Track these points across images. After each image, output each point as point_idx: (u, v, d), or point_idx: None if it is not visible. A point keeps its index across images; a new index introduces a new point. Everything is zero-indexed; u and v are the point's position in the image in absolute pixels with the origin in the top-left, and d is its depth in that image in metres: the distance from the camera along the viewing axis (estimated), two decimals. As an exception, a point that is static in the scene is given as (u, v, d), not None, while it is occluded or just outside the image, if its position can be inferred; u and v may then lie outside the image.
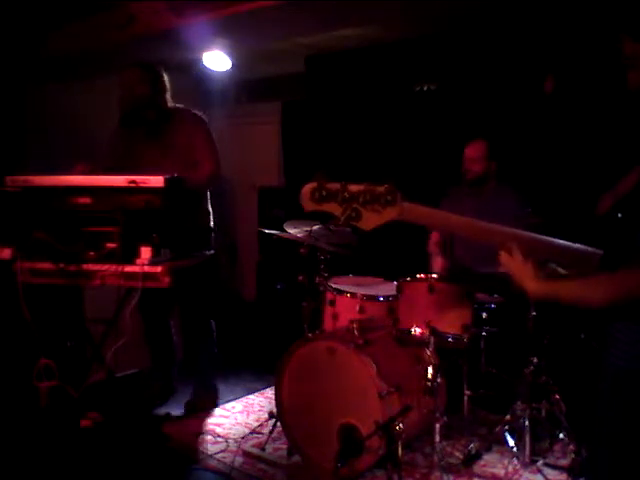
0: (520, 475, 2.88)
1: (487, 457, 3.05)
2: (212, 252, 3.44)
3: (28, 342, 2.78)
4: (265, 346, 4.56)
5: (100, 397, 3.03)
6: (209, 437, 3.32)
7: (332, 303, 3.31)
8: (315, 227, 3.30)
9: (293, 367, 2.96)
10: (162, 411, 3.62)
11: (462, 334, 2.90)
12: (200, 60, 4.68)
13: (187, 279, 3.07)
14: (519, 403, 2.97)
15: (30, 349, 2.80)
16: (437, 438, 2.86)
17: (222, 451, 3.15)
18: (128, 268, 2.68)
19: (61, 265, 2.72)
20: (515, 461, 2.95)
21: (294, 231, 3.34)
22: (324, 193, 1.46)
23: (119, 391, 3.25)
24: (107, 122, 3.50)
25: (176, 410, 3.66)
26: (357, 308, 3.19)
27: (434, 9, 3.71)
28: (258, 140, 5.98)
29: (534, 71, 3.79)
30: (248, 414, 3.68)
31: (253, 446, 3.18)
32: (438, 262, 3.59)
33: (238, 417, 3.62)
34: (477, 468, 2.95)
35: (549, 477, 2.82)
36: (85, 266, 2.74)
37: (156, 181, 2.73)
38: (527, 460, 2.93)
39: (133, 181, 2.74)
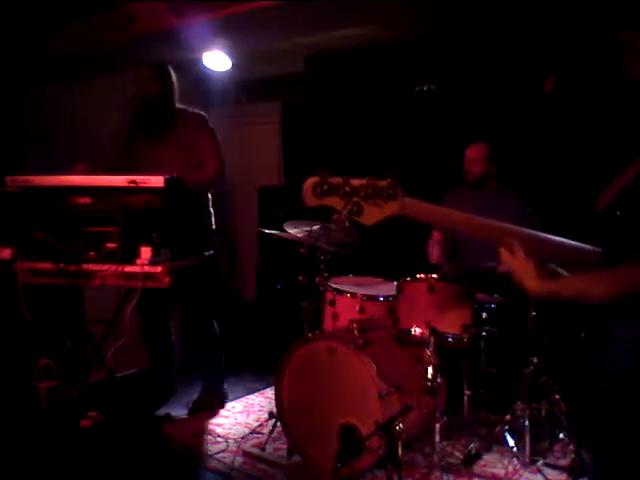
0: (520, 475, 2.88)
1: (487, 457, 3.05)
2: (212, 252, 3.44)
3: (28, 342, 2.78)
4: (265, 346, 4.56)
5: (100, 397, 3.03)
6: (209, 437, 3.32)
7: (332, 303, 3.31)
8: (315, 227, 3.30)
9: (293, 367, 2.96)
10: (162, 411, 3.63)
11: (462, 334, 2.90)
12: (200, 60, 4.68)
13: (187, 279, 3.08)
14: (519, 403, 2.97)
15: (30, 349, 2.80)
16: (437, 438, 2.86)
17: (222, 451, 3.15)
18: (128, 268, 2.69)
19: (61, 265, 2.72)
20: (515, 461, 2.95)
21: (294, 231, 3.34)
22: (326, 187, 1.45)
23: (119, 391, 3.25)
24: (107, 122, 3.51)
25: (176, 410, 3.66)
26: (357, 308, 3.19)
27: (434, 9, 3.71)
28: (258, 140, 5.97)
29: (534, 71, 3.80)
30: (248, 414, 3.68)
31: (253, 446, 3.18)
32: (435, 251, 3.56)
33: (238, 417, 3.63)
34: (477, 468, 2.95)
35: (549, 477, 2.83)
36: (85, 266, 2.74)
37: (156, 181, 2.74)
38: (527, 460, 2.93)
39: (133, 181, 2.74)
